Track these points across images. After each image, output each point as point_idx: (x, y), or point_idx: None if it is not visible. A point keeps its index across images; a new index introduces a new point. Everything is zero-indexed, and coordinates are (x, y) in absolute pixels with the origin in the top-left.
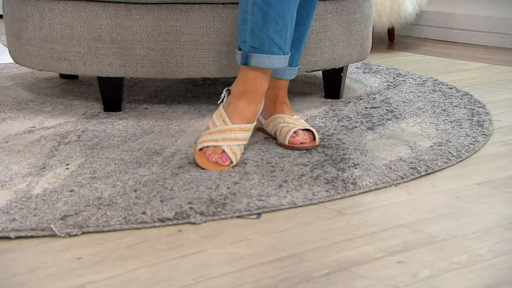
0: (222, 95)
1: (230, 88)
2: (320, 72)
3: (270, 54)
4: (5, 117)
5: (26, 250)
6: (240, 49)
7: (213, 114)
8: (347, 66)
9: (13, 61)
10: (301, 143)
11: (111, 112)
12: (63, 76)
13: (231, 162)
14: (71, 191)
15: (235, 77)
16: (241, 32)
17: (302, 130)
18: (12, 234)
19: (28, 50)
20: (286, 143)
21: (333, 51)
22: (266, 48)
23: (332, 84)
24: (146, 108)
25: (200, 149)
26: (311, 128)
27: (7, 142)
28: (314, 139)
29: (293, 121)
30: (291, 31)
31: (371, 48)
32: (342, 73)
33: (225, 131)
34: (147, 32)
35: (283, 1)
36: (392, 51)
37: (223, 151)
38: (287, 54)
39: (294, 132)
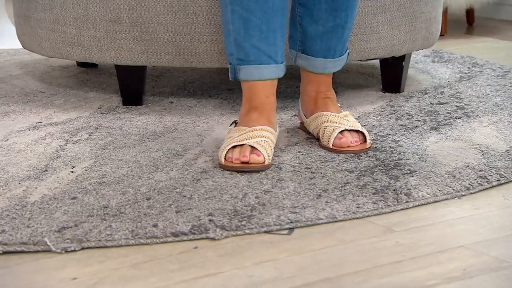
0: (230, 126)
1: (236, 120)
2: (378, 61)
3: (258, 64)
4: (8, 111)
5: (14, 268)
6: (230, 63)
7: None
8: (410, 54)
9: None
10: (348, 146)
11: (130, 106)
12: (80, 64)
13: (264, 159)
14: (74, 198)
15: None
16: (227, 44)
17: (350, 130)
18: None
19: (37, 33)
20: (331, 145)
21: (392, 36)
22: (253, 58)
23: (391, 75)
24: (171, 102)
25: (225, 159)
26: (361, 129)
27: (7, 139)
28: (365, 140)
29: (339, 120)
30: (282, 37)
31: (444, 32)
32: (403, 63)
33: (246, 132)
34: (172, 13)
35: (265, 5)
36: (470, 36)
37: (253, 147)
38: (281, 63)
39: (340, 132)
